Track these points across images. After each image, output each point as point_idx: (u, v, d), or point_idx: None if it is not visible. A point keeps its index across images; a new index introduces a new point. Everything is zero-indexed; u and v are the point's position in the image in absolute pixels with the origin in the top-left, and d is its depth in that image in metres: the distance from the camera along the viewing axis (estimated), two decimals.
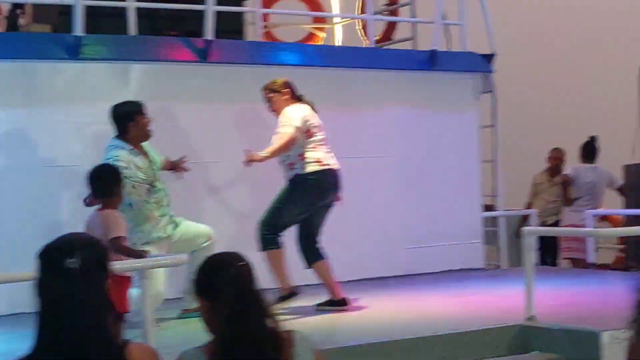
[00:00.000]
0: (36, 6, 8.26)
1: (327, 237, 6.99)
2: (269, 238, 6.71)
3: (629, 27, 13.80)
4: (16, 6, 8.46)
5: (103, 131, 6.66)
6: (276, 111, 6.86)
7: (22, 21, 8.54)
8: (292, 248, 6.86)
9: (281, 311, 6.10)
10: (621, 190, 10.52)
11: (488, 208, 9.82)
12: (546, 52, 14.40)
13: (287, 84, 6.92)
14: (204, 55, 8.04)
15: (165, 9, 9.12)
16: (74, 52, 7.49)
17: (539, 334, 5.85)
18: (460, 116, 9.38)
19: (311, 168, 6.74)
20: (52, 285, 2.52)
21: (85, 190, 5.90)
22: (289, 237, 6.85)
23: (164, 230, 6.47)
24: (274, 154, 6.67)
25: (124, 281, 5.41)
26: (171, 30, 9.46)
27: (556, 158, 10.84)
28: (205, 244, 6.59)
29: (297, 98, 6.93)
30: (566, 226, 10.02)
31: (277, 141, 6.65)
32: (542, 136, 12.80)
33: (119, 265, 4.80)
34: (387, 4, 11.14)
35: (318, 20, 10.97)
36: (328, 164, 6.81)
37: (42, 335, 2.52)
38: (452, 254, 9.18)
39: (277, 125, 6.75)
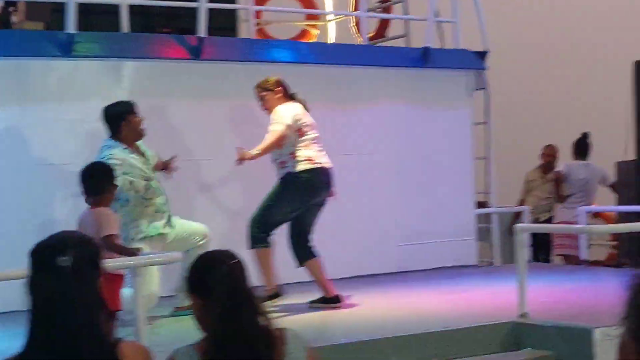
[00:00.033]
0: (29, 3, 8.26)
1: (320, 235, 6.99)
2: (259, 236, 6.71)
3: (622, 24, 13.82)
4: (9, 3, 8.44)
5: (96, 129, 6.64)
6: (269, 109, 6.85)
7: (14, 18, 8.52)
8: (284, 246, 6.86)
9: (273, 309, 6.16)
10: (614, 187, 10.54)
11: (481, 205, 9.82)
12: (539, 49, 14.40)
13: (279, 83, 6.92)
14: (196, 53, 8.04)
15: (158, 7, 9.11)
16: (66, 49, 7.47)
17: (532, 330, 5.85)
18: (453, 113, 9.38)
19: (303, 166, 6.73)
20: (44, 283, 2.52)
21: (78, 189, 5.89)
22: (281, 235, 6.85)
23: (161, 227, 6.46)
24: (265, 151, 6.67)
25: (117, 279, 5.42)
26: (164, 27, 9.47)
27: (549, 155, 10.85)
28: (200, 242, 6.58)
29: (290, 97, 6.93)
30: (559, 223, 10.01)
31: (267, 139, 6.66)
32: (534, 133, 12.79)
33: (112, 263, 4.79)
34: (380, 1, 11.14)
35: (311, 17, 10.96)
36: (320, 163, 6.80)
37: (33, 334, 2.52)
38: (444, 250, 9.17)
39: (269, 123, 6.76)
